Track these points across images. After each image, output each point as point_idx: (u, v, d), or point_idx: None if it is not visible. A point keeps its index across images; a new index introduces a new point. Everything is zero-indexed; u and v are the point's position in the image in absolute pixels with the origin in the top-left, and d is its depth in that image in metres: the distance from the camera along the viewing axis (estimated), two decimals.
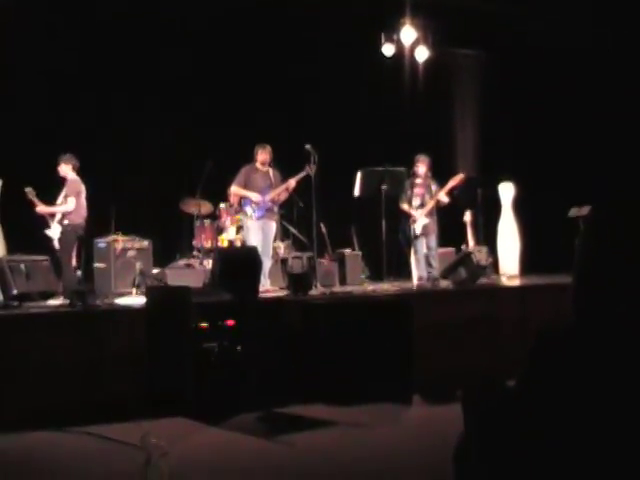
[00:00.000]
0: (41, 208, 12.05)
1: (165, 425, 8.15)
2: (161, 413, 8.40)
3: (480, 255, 12.23)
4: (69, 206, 11.98)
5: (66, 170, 12.10)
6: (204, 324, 8.69)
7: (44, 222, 12.03)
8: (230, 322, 8.82)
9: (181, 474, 6.42)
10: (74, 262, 12.35)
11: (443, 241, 13.55)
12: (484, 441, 2.79)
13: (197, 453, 7.39)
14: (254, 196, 12.21)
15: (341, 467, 6.90)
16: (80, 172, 12.16)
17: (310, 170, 12.20)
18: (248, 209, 12.25)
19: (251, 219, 12.25)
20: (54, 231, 11.96)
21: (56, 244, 11.98)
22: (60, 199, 12.11)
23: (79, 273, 12.44)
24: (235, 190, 12.42)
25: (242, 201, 12.41)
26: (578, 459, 2.42)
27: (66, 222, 11.97)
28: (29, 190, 11.95)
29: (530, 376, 2.59)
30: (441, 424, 7.93)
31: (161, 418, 8.33)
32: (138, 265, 12.40)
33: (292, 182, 12.33)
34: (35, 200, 12.00)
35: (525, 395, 2.60)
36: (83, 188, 12.17)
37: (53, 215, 12.02)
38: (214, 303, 8.93)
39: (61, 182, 12.14)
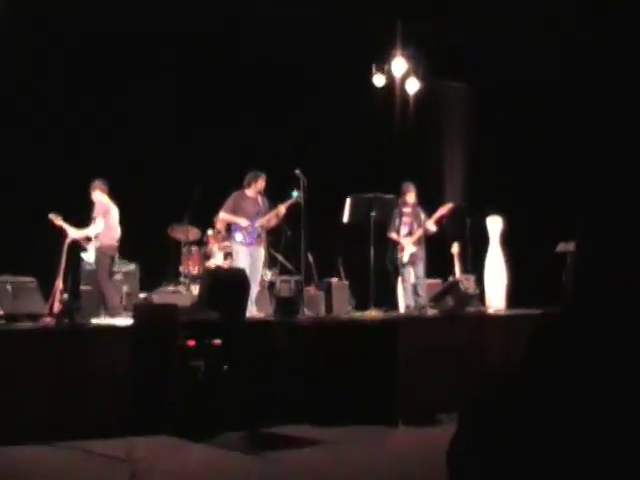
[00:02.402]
0: (73, 232, 12.08)
1: (151, 442, 8.11)
2: (147, 430, 8.36)
3: (468, 284, 12.26)
4: (97, 227, 12.05)
5: (94, 195, 12.18)
6: (191, 342, 8.68)
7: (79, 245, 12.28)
8: (217, 342, 8.81)
9: None
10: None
11: (430, 272, 13.55)
12: (482, 434, 2.79)
13: (182, 468, 7.36)
14: (243, 222, 12.20)
15: None
16: (111, 194, 12.32)
17: (299, 198, 12.21)
18: (238, 235, 12.24)
19: (241, 245, 12.23)
20: (90, 255, 12.02)
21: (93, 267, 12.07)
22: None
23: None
24: (224, 216, 12.42)
25: (232, 227, 12.40)
26: (580, 447, 2.42)
27: (98, 244, 12.06)
28: (53, 216, 12.00)
29: (531, 362, 2.60)
30: (426, 446, 7.99)
31: (147, 435, 8.29)
32: (125, 288, 12.40)
33: (282, 209, 12.32)
34: (64, 225, 12.05)
35: (525, 382, 2.60)
36: (111, 208, 12.23)
37: (90, 239, 12.07)
38: (201, 322, 8.92)
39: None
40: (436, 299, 12.27)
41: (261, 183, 12.34)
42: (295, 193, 12.19)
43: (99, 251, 12.06)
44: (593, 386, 2.37)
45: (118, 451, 7.61)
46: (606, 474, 2.33)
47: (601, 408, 2.36)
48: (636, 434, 2.30)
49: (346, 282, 14.46)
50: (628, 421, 2.32)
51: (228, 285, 9.75)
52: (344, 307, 13.94)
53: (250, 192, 12.35)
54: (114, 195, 12.33)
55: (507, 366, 9.99)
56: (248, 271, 11.52)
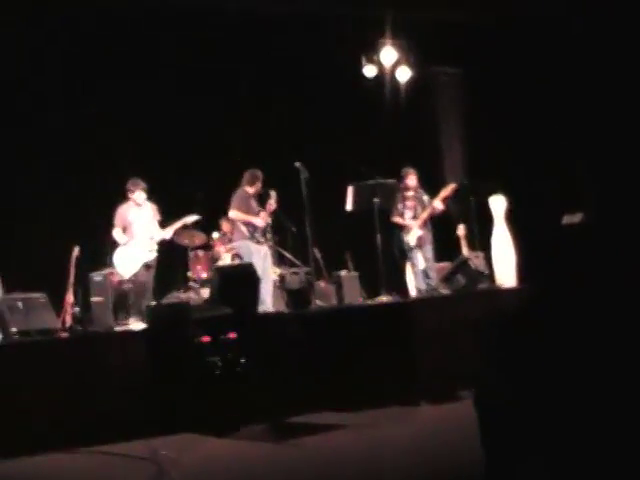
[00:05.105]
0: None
1: (173, 440, 8.11)
2: (168, 430, 8.35)
3: (477, 261, 12.22)
4: None
5: (143, 195, 12.11)
6: (206, 338, 8.67)
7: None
8: (232, 335, 8.80)
9: None
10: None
11: (438, 256, 13.45)
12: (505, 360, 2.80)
13: (208, 462, 7.38)
14: (258, 221, 12.12)
15: (353, 466, 6.87)
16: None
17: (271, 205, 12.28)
18: (257, 234, 12.16)
19: (257, 244, 12.15)
20: (151, 256, 12.05)
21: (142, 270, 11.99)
22: (154, 224, 12.15)
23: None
24: (238, 215, 12.22)
25: (246, 227, 12.21)
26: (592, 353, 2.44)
27: None
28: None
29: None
30: (448, 422, 8.02)
31: (168, 434, 8.28)
32: (134, 296, 12.34)
33: (273, 203, 12.30)
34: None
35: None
36: None
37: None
38: (215, 317, 8.92)
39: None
40: (447, 278, 12.22)
41: (260, 181, 12.31)
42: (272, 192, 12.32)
43: None
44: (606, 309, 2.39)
45: (140, 451, 7.61)
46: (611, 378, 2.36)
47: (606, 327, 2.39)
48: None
49: (355, 273, 14.42)
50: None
51: (238, 280, 9.77)
52: (355, 298, 13.89)
53: (251, 190, 12.30)
54: (117, 203, 12.26)
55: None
56: (261, 269, 11.47)
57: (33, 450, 7.80)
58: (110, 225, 12.01)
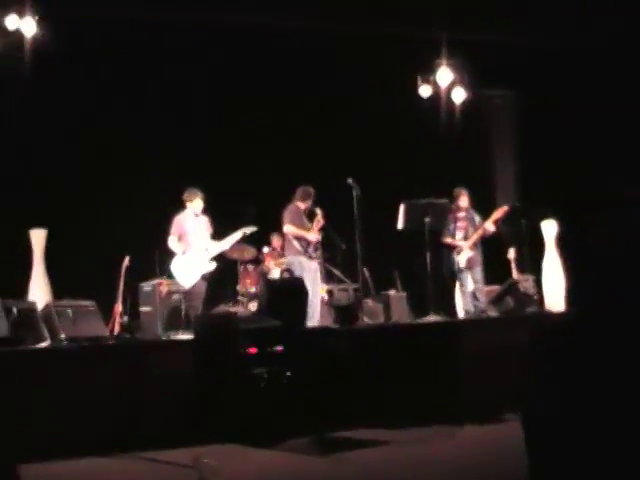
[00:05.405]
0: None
1: (216, 450, 8.10)
2: (211, 439, 8.35)
3: (527, 284, 12.14)
4: None
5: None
6: (253, 350, 8.68)
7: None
8: (279, 348, 8.80)
9: None
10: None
11: (487, 278, 13.39)
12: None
13: (250, 473, 7.36)
14: (311, 236, 12.17)
15: None
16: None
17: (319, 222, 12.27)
18: (311, 249, 12.18)
19: (311, 260, 12.18)
20: (211, 266, 12.03)
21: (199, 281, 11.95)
22: (208, 235, 12.16)
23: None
24: (292, 230, 12.25)
25: (300, 242, 12.27)
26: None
27: None
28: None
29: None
30: (491, 442, 7.96)
31: (212, 444, 8.28)
32: (184, 307, 12.38)
33: (320, 218, 12.30)
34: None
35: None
36: None
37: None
38: (262, 329, 8.92)
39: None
40: (496, 300, 12.16)
41: (311, 199, 12.31)
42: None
43: None
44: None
45: (184, 459, 7.62)
46: None
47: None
48: None
49: (403, 293, 14.39)
50: None
51: (287, 293, 9.77)
52: (403, 318, 13.86)
53: (303, 206, 12.31)
54: (164, 215, 12.30)
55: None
56: (311, 285, 11.47)
57: (78, 453, 7.84)
58: (161, 235, 12.04)
